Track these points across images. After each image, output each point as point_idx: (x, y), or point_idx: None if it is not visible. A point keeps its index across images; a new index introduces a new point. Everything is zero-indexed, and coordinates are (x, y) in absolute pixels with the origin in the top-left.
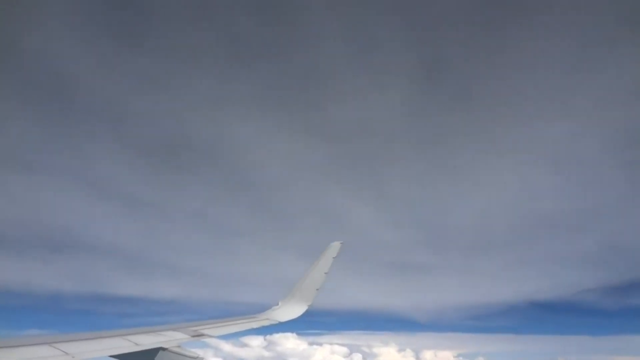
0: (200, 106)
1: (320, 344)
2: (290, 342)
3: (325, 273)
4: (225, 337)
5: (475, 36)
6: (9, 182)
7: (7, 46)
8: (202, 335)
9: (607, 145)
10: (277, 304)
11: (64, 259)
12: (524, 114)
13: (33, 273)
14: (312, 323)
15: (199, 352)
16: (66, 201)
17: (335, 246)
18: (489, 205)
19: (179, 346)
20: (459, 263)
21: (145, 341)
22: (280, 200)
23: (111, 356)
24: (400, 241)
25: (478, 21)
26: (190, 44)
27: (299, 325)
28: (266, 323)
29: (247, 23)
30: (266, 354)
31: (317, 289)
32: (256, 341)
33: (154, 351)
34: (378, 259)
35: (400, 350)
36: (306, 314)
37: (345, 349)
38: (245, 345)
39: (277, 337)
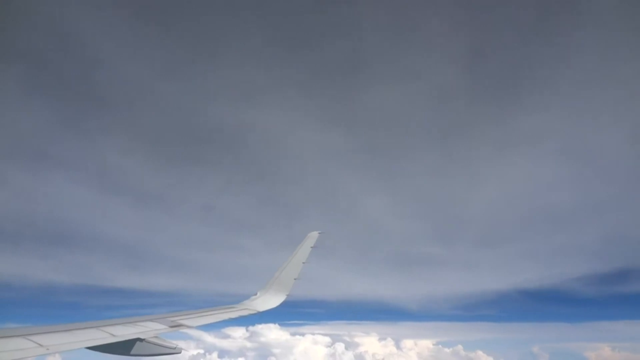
0: (223, 95)
1: (303, 334)
2: (272, 332)
3: (303, 263)
4: (207, 328)
5: (497, 33)
6: (15, 173)
7: (20, 35)
8: (180, 325)
9: (618, 141)
10: (256, 294)
11: (56, 252)
12: (541, 109)
13: (19, 266)
14: (295, 314)
15: (181, 344)
16: (66, 193)
17: (313, 236)
18: (496, 198)
19: (156, 337)
20: (456, 254)
21: (121, 332)
22: (293, 192)
23: (87, 348)
24: (404, 232)
25: (499, 20)
26: (213, 32)
27: (281, 316)
28: (244, 313)
29: (277, 11)
30: (249, 344)
31: (295, 279)
32: (238, 332)
33: (131, 342)
34: (378, 249)
35: (381, 339)
36: (289, 305)
37: (327, 339)
38: (227, 336)
39: (260, 327)
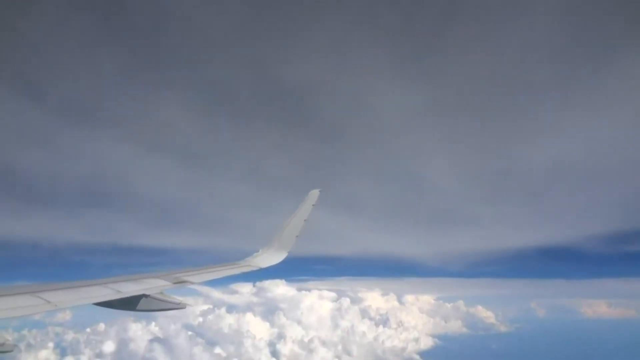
0: (294, 52)
1: (309, 290)
2: (279, 288)
3: (304, 220)
4: (214, 284)
5: None
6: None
7: None
8: (183, 282)
9: None
10: (258, 251)
11: (84, 211)
12: (616, 74)
13: (44, 225)
14: (302, 270)
15: (189, 300)
16: (111, 151)
17: (314, 194)
18: (543, 158)
19: (161, 292)
20: (477, 213)
21: (127, 289)
22: (348, 151)
23: (94, 304)
24: (442, 191)
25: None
26: None
27: (288, 272)
28: (247, 269)
29: None
30: (256, 299)
31: (296, 236)
32: (246, 288)
33: (137, 298)
34: (409, 207)
35: (384, 294)
36: (296, 261)
37: (333, 294)
38: (235, 292)
39: (267, 283)
